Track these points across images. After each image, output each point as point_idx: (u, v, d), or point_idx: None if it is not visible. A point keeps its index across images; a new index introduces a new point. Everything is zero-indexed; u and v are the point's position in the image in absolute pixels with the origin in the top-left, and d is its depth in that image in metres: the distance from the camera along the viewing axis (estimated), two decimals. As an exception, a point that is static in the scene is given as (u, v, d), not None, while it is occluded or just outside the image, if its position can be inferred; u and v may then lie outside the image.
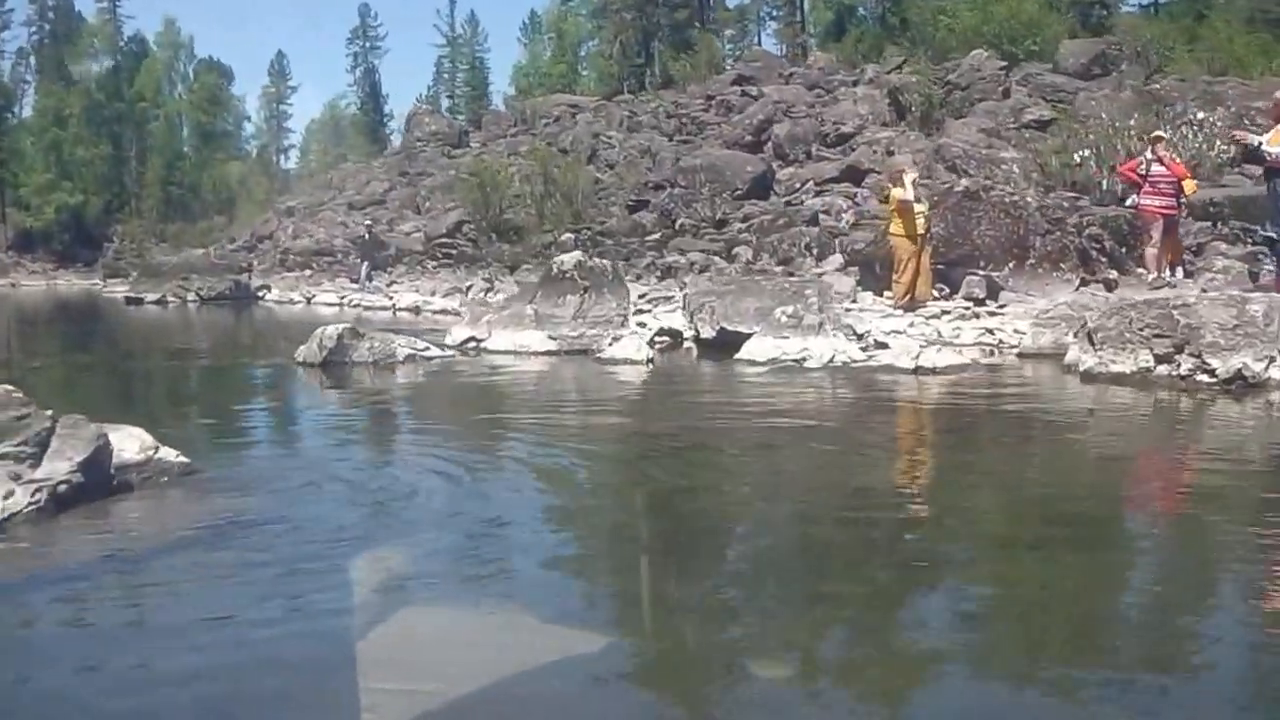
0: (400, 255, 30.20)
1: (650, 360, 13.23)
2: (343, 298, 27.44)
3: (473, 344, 14.84)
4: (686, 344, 14.49)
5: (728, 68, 45.07)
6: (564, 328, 14.55)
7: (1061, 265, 15.90)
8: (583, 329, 14.53)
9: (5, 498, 5.92)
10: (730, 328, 13.96)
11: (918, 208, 15.51)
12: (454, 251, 28.82)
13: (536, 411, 9.89)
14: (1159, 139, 15.73)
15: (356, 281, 28.53)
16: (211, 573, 4.90)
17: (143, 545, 5.52)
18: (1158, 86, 27.04)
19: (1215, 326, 10.09)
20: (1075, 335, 11.21)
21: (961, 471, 7.15)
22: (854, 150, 28.44)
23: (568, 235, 29.24)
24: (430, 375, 12.75)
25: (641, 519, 6.00)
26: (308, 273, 32.63)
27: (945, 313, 15.30)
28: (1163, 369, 10.35)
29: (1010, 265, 15.75)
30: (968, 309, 15.37)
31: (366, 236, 29.86)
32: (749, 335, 13.78)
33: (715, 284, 15.41)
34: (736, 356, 13.01)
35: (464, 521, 5.80)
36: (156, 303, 29.76)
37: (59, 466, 6.34)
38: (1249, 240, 15.23)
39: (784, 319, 13.38)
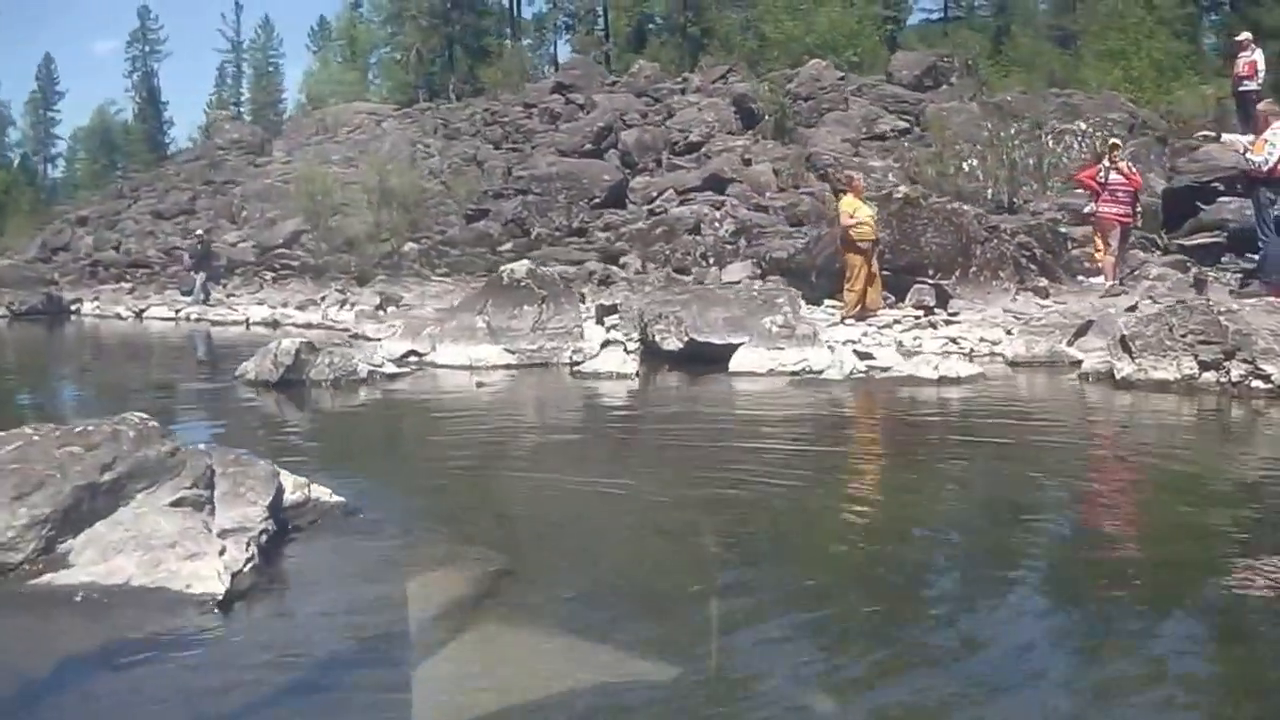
0: (233, 266, 28.11)
1: (637, 374, 12.26)
2: (179, 311, 25.23)
3: (413, 358, 13.53)
4: (632, 355, 13.42)
5: (542, 75, 44.12)
6: (522, 340, 13.43)
7: (1000, 274, 15.70)
8: (541, 341, 13.44)
9: (219, 554, 4.60)
10: (701, 339, 13.09)
11: (866, 213, 15.03)
12: (294, 263, 26.97)
13: (654, 433, 8.77)
14: (1116, 147, 15.76)
15: (189, 294, 26.31)
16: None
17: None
18: (1009, 98, 27.61)
19: (1267, 333, 9.83)
20: (1109, 343, 10.79)
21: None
22: (710, 159, 27.98)
23: (410, 245, 27.91)
24: (415, 393, 11.52)
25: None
26: (126, 285, 29.97)
27: (897, 321, 14.86)
28: (1208, 375, 10.03)
29: (956, 273, 15.45)
30: (918, 317, 14.97)
31: (200, 247, 27.64)
32: (724, 346, 12.94)
33: (671, 294, 14.53)
34: (731, 369, 12.09)
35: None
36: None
37: (249, 512, 5.07)
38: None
39: (775, 329, 12.62)
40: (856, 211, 14.89)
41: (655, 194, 27.13)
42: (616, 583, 4.67)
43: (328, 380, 11.67)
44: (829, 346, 12.38)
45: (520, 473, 7.16)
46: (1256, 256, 13.38)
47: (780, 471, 6.80)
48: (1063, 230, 17.13)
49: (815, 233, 17.17)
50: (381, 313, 19.08)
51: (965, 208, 16.35)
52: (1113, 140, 16.54)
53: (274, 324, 21.89)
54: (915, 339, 14.03)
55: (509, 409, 10.63)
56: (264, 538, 4.98)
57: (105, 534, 4.79)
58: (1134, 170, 15.80)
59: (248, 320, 22.70)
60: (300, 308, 22.94)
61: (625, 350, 12.78)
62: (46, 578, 4.50)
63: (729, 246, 20.94)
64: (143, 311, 26.50)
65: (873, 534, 5.42)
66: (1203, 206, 17.39)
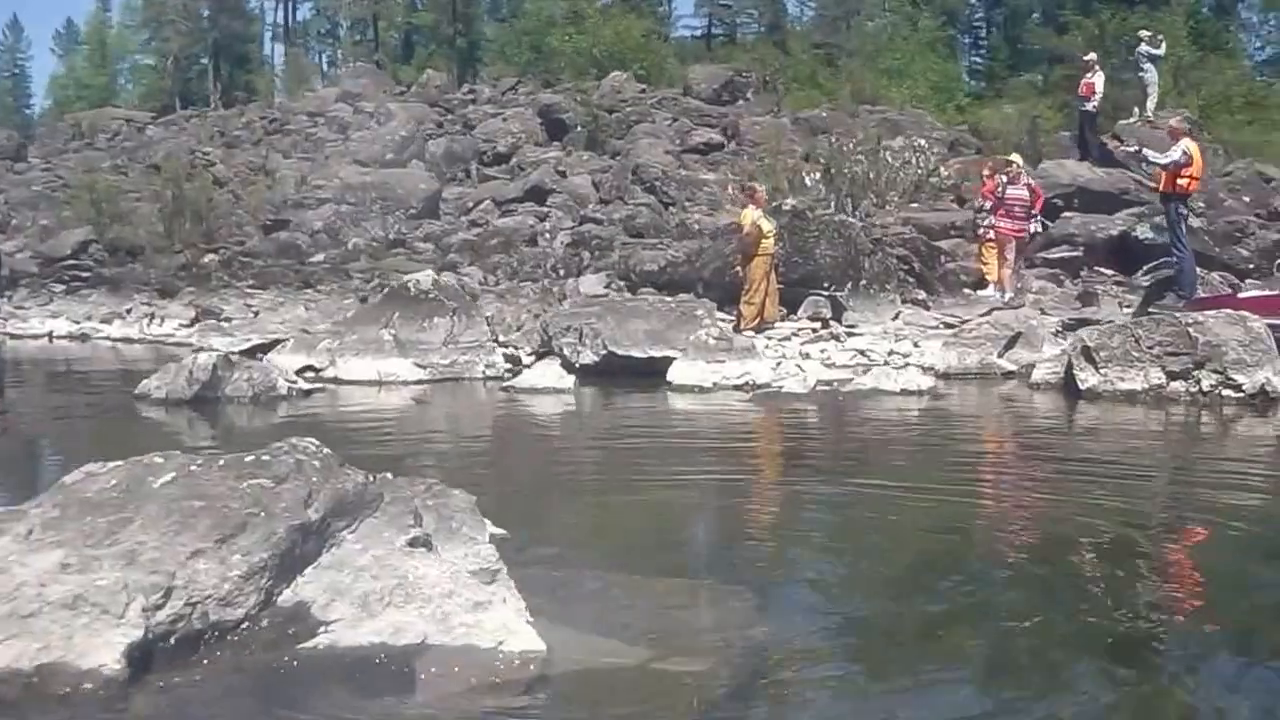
0: (16, 278, 25.69)
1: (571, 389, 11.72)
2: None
3: (310, 373, 12.57)
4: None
5: (319, 85, 42.55)
6: (433, 354, 12.68)
7: (887, 286, 15.81)
8: (455, 355, 12.74)
9: (503, 603, 3.94)
10: (621, 352, 12.65)
11: (766, 227, 14.86)
12: (86, 274, 24.92)
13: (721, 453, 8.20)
14: (1012, 162, 16.06)
15: (-22, 306, 23.80)
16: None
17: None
18: (823, 114, 28.14)
19: (1236, 343, 10.15)
20: (1075, 355, 10.89)
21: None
22: (524, 170, 27.49)
23: (210, 257, 26.27)
24: (350, 410, 10.73)
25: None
26: (-106, 300, 26.90)
27: (796, 334, 14.75)
28: (1176, 385, 10.26)
29: (848, 285, 15.46)
30: (815, 329, 14.90)
31: (-9, 258, 25.06)
32: (645, 359, 12.54)
33: (577, 307, 14.03)
34: (675, 383, 11.67)
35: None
36: None
37: (480, 551, 4.44)
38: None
39: (712, 341, 12.29)
40: (758, 223, 14.65)
41: (471, 205, 26.43)
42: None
43: (246, 397, 10.68)
44: (782, 359, 12.07)
45: (609, 493, 6.57)
46: (1167, 271, 13.74)
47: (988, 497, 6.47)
48: (938, 244, 17.36)
49: (698, 245, 16.80)
50: (225, 325, 17.72)
51: (851, 220, 16.36)
52: (1011, 157, 16.86)
53: (83, 337, 20.11)
54: (822, 351, 13.90)
55: (484, 426, 9.92)
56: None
57: (349, 583, 4.03)
58: (1036, 185, 16.15)
59: (50, 334, 20.76)
60: (105, 321, 21.15)
61: (563, 365, 12.10)
62: (316, 641, 3.71)
63: (575, 259, 20.39)
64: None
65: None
66: (1047, 223, 17.96)
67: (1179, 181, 12.52)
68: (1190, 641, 4.04)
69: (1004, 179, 15.59)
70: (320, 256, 25.07)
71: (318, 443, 4.61)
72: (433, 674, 3.54)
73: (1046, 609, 4.33)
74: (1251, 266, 17.08)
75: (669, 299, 13.91)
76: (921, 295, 16.22)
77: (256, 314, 20.25)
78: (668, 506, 6.19)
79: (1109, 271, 17.39)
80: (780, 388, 11.19)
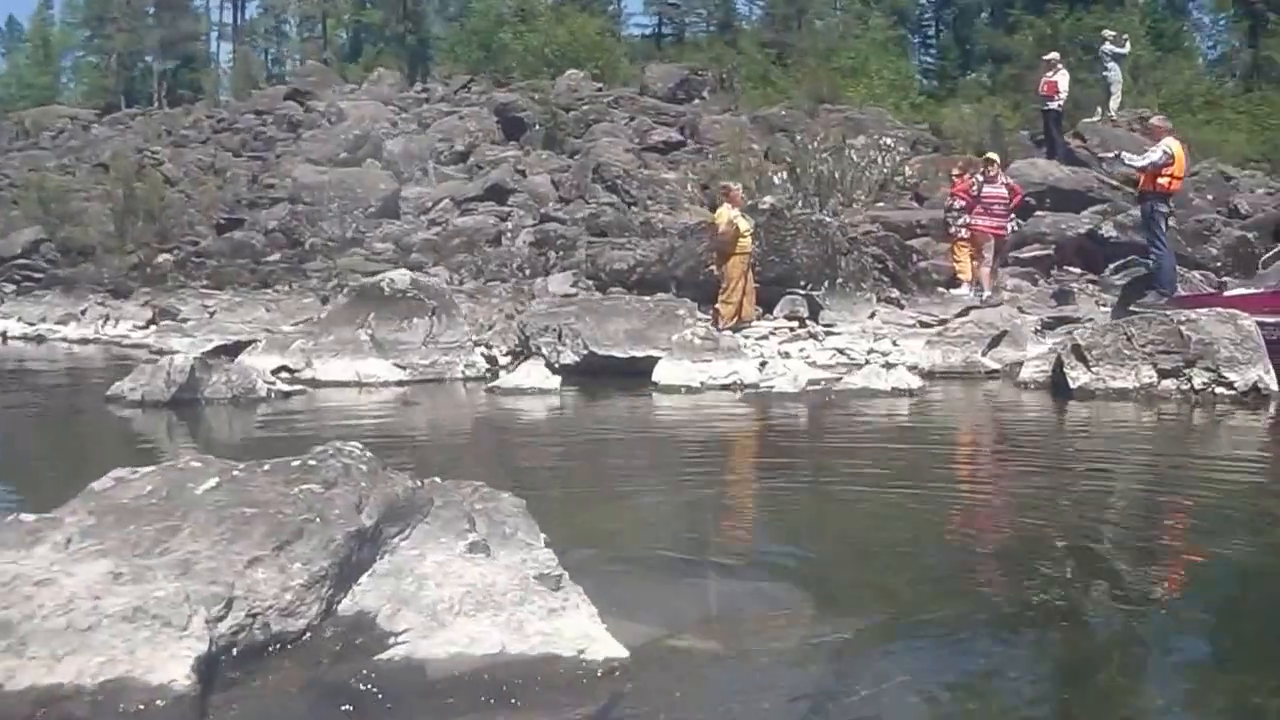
0: (-35, 277, 25.22)
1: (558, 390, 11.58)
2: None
3: (285, 375, 12.34)
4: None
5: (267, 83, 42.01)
6: (413, 355, 12.48)
7: (863, 285, 15.77)
8: (435, 355, 12.55)
9: (576, 609, 3.83)
10: (602, 352, 12.55)
11: (744, 225, 14.78)
12: (39, 274, 24.43)
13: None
14: (991, 160, 16.04)
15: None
16: None
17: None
18: (779, 111, 28.11)
19: (1228, 341, 10.19)
20: (1066, 353, 10.89)
21: None
22: (483, 169, 27.25)
23: (164, 257, 25.84)
24: (338, 411, 10.53)
25: None
26: None
27: (773, 333, 14.70)
28: (1167, 384, 10.29)
29: (825, 284, 15.41)
30: (793, 328, 14.85)
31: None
32: (628, 359, 12.45)
33: (554, 306, 13.90)
34: (661, 383, 11.56)
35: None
36: None
37: (539, 555, 4.28)
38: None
39: (697, 341, 12.20)
40: (735, 221, 14.56)
41: (430, 204, 26.13)
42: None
43: (225, 398, 10.45)
44: (770, 358, 12.00)
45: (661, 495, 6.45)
46: (1144, 269, 13.73)
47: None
48: (909, 243, 17.37)
49: (670, 244, 16.68)
50: (184, 326, 17.39)
51: (828, 219, 16.31)
52: (988, 155, 16.84)
53: (39, 339, 19.72)
54: (801, 350, 13.84)
55: (478, 429, 9.76)
56: (569, 583, 4.14)
57: (413, 591, 3.89)
58: (1012, 182, 16.15)
59: (4, 335, 20.33)
60: (61, 322, 20.73)
61: (547, 365, 11.94)
62: (391, 653, 3.56)
63: (541, 258, 20.24)
64: None
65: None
66: (1021, 222, 18.04)
67: (1160, 180, 12.52)
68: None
69: (980, 177, 15.56)
70: (276, 256, 24.72)
71: (360, 446, 4.46)
72: (516, 685, 3.40)
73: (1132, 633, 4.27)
74: (1220, 265, 17.24)
75: (647, 298, 13.79)
76: (896, 294, 16.19)
77: (213, 314, 19.87)
78: (696, 506, 6.08)
79: (1077, 270, 17.48)
80: (771, 387, 11.10)
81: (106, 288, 23.57)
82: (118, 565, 3.76)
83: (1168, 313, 10.86)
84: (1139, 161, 12.68)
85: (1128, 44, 22.98)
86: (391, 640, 3.68)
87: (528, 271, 20.00)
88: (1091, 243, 17.03)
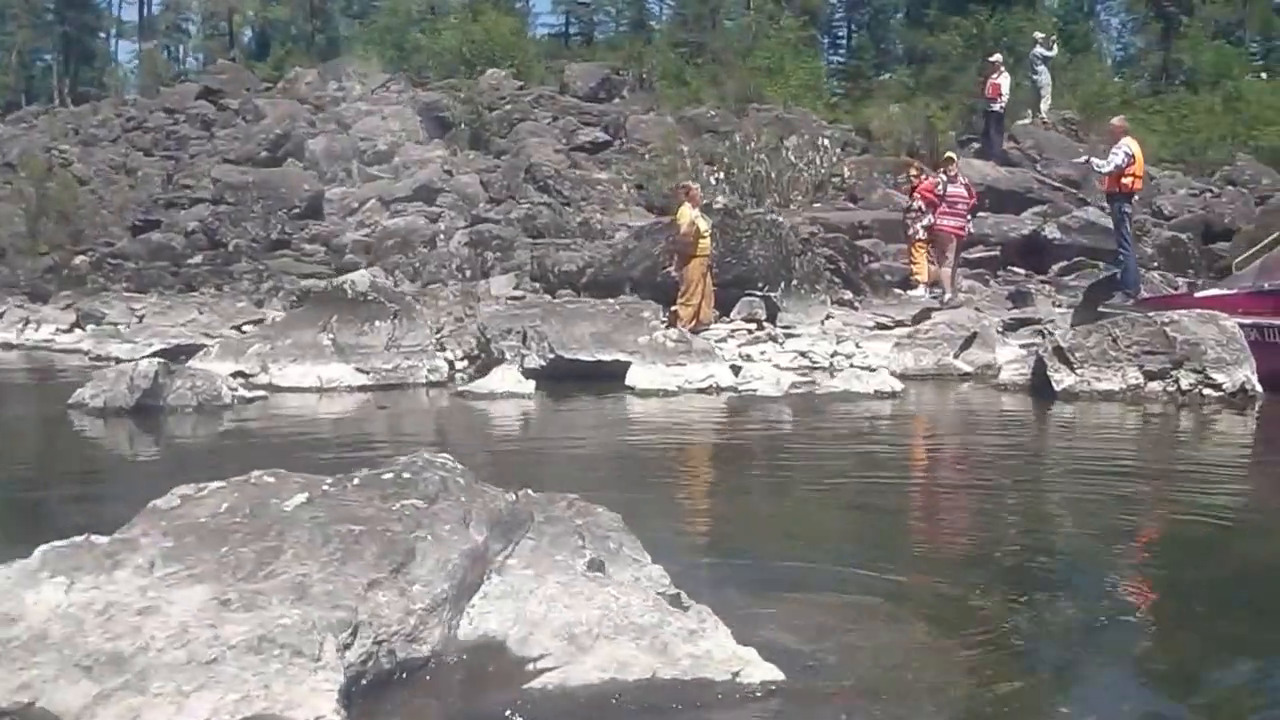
0: None
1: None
2: None
3: (240, 380, 11.96)
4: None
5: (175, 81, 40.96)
6: (375, 359, 12.16)
7: (817, 286, 15.71)
8: (397, 360, 12.24)
9: (715, 628, 3.68)
10: (569, 355, 12.32)
11: (703, 226, 14.63)
12: (-54, 278, 23.51)
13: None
14: (950, 160, 16.03)
15: None
16: None
17: None
18: (706, 111, 28.07)
19: (1213, 342, 10.25)
20: (1047, 354, 10.83)
21: None
22: (409, 169, 26.80)
23: (80, 258, 25.04)
24: (302, 418, 10.27)
25: None
26: None
27: (732, 335, 14.59)
28: (1154, 385, 10.32)
29: (781, 286, 15.32)
30: (751, 330, 14.75)
31: None
32: (595, 363, 12.27)
33: (516, 309, 13.69)
34: (638, 387, 11.39)
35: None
36: None
37: (651, 572, 4.11)
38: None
39: (670, 344, 12.06)
40: (696, 222, 14.41)
41: (356, 205, 25.64)
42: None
43: (190, 405, 10.08)
44: (747, 360, 11.89)
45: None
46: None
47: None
48: (859, 244, 17.38)
49: (624, 244, 16.50)
50: (122, 330, 16.82)
51: (782, 220, 16.21)
52: (948, 154, 16.83)
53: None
54: (762, 353, 13.73)
55: (465, 434, 9.49)
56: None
57: (542, 613, 3.70)
58: (969, 182, 16.17)
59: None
60: (-24, 325, 19.93)
61: (520, 369, 11.69)
62: (543, 680, 3.36)
63: (479, 259, 19.95)
64: None
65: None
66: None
67: (1123, 181, 12.65)
68: None
69: (944, 177, 15.56)
70: (198, 258, 24.06)
71: (450, 456, 4.24)
72: (674, 712, 3.21)
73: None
74: (1156, 265, 17.52)
75: (610, 301, 13.58)
76: (848, 295, 16.13)
77: (141, 318, 19.24)
78: (762, 516, 5.94)
79: (1021, 271, 17.63)
80: (754, 391, 10.96)
81: (23, 290, 22.73)
82: (222, 590, 3.52)
83: (1150, 314, 10.89)
84: (1106, 167, 12.77)
85: (1055, 47, 23.28)
86: (530, 666, 3.48)
87: (468, 273, 19.68)
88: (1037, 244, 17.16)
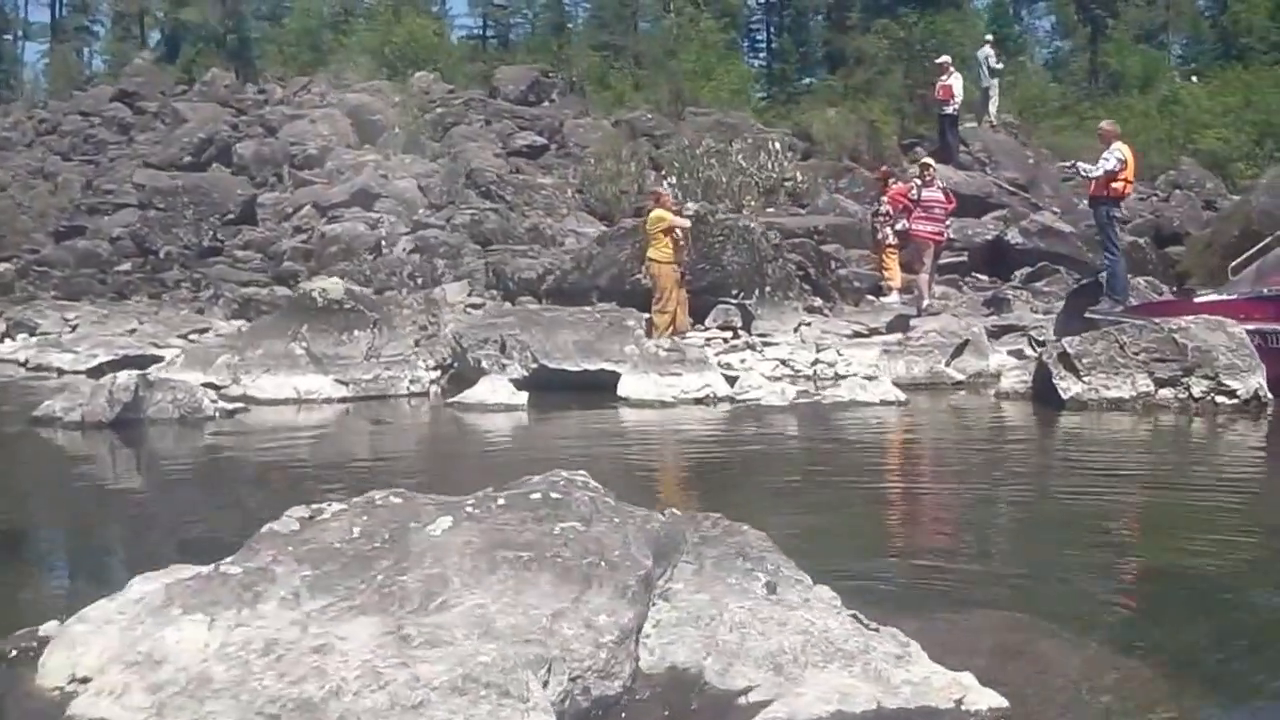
0: None
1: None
2: None
3: (210, 391, 11.48)
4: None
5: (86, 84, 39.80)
6: (355, 370, 11.78)
7: (789, 294, 15.55)
8: (378, 370, 11.87)
9: (902, 663, 3.49)
10: (553, 365, 12.04)
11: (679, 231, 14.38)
12: None
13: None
14: (927, 165, 15.89)
15: None
16: None
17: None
18: (647, 117, 27.91)
19: (1224, 349, 10.11)
20: (1052, 361, 10.61)
21: None
22: (344, 174, 26.24)
23: (5, 266, 24.14)
24: (289, 432, 9.93)
25: None
26: None
27: (708, 343, 14.34)
28: (1165, 393, 10.12)
29: (756, 293, 15.14)
30: (727, 339, 14.54)
31: None
32: (580, 373, 12.01)
33: (494, 318, 13.36)
34: (632, 398, 11.13)
35: None
36: None
37: (821, 594, 3.91)
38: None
39: (663, 354, 11.82)
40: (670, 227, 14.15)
41: (291, 210, 25.04)
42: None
43: (172, 418, 9.68)
44: (715, 370, 11.71)
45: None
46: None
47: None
48: (827, 249, 17.28)
49: (588, 251, 16.21)
50: (63, 339, 16.19)
51: (753, 225, 16.02)
52: (924, 160, 16.69)
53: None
54: (742, 361, 13.52)
55: (464, 449, 9.19)
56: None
57: (736, 641, 3.49)
58: (944, 186, 16.05)
59: None
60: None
61: (511, 380, 11.36)
62: (765, 716, 3.12)
63: (429, 266, 19.56)
64: None
65: None
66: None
67: (1114, 185, 12.56)
68: None
69: (918, 181, 15.44)
70: (127, 265, 23.33)
71: (586, 474, 4.00)
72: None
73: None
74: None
75: (589, 309, 13.32)
76: (818, 303, 15.97)
77: (75, 328, 18.48)
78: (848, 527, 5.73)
79: (984, 277, 17.65)
80: (758, 400, 10.75)
81: (-56, 301, 21.79)
82: (395, 624, 3.23)
83: (1155, 320, 10.74)
84: (1095, 171, 12.67)
85: (1002, 61, 23.38)
86: (741, 700, 3.24)
87: (419, 280, 19.25)
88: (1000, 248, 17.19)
